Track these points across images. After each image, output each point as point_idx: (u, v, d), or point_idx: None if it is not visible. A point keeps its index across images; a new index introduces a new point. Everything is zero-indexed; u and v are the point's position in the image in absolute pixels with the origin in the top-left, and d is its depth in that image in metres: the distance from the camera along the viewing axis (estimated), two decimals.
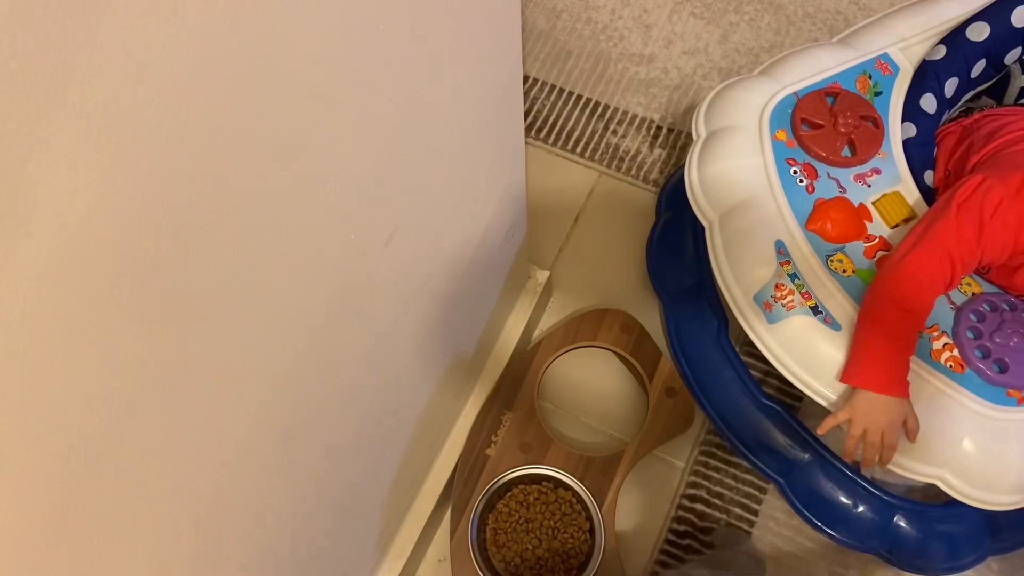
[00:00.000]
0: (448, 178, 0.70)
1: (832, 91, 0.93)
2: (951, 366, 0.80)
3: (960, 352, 0.81)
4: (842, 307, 0.83)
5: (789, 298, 0.85)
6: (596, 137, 1.31)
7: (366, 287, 0.63)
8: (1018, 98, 0.98)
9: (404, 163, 0.60)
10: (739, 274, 0.88)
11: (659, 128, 1.31)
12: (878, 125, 0.91)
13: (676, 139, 1.30)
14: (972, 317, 0.82)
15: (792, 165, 0.90)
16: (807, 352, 0.83)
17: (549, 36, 1.41)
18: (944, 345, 0.81)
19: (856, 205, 0.88)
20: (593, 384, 1.17)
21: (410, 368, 0.81)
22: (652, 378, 1.12)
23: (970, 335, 0.81)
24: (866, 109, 0.92)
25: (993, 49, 0.93)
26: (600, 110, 1.34)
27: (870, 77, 0.94)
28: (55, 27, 0.28)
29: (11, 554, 0.37)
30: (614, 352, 1.16)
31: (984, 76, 0.97)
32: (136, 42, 0.31)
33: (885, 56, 0.96)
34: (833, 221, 0.86)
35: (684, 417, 1.09)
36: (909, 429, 0.78)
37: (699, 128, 0.96)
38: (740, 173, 0.90)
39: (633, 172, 1.29)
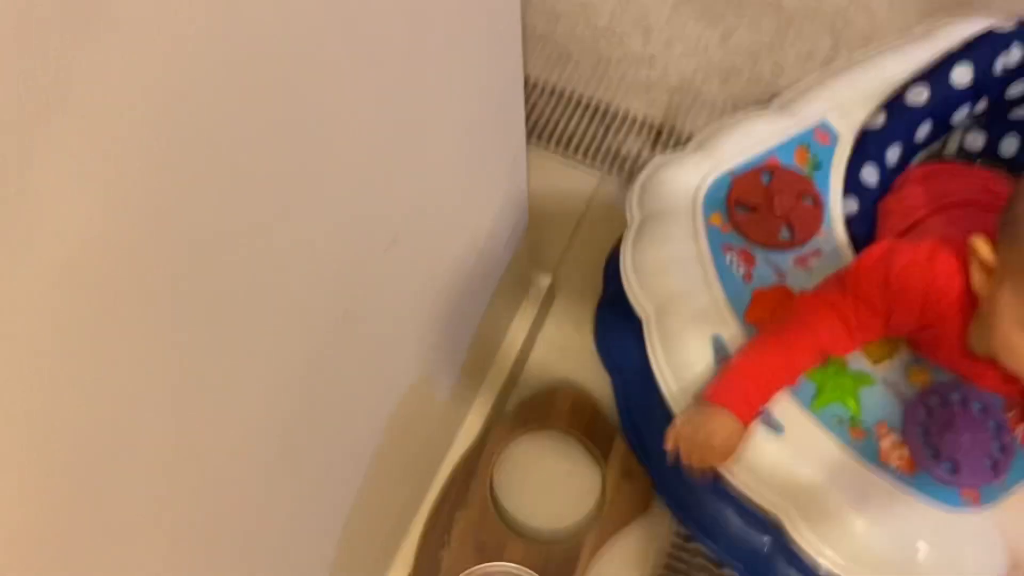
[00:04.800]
0: (449, 182, 0.71)
1: (769, 167, 0.89)
2: (900, 468, 0.76)
3: (911, 452, 0.76)
4: (784, 407, 0.79)
5: None
6: (597, 140, 1.31)
7: (368, 292, 0.63)
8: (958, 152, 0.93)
9: (404, 167, 0.60)
10: (678, 373, 0.84)
11: (660, 130, 1.31)
12: (817, 203, 0.87)
13: (677, 141, 1.29)
14: (921, 412, 0.77)
15: (728, 252, 0.85)
16: (750, 455, 0.79)
17: (549, 39, 1.42)
18: (892, 444, 0.77)
19: (796, 293, 0.84)
20: (548, 470, 1.13)
21: (410, 371, 0.81)
22: (608, 458, 1.08)
23: (920, 432, 0.77)
24: (804, 186, 0.87)
25: (937, 111, 0.89)
26: (600, 113, 1.33)
27: (808, 148, 0.90)
28: (57, 32, 0.28)
29: (16, 554, 0.38)
30: (567, 434, 1.12)
31: (932, 136, 0.92)
32: (137, 46, 0.32)
33: (824, 124, 0.91)
34: (772, 313, 0.82)
35: (643, 498, 1.06)
36: (726, 448, 0.76)
37: (632, 211, 0.92)
38: (674, 262, 0.86)
39: (635, 175, 1.26)
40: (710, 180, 0.89)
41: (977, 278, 0.69)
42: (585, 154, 1.30)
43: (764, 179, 0.88)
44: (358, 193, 0.55)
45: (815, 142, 0.90)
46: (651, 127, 1.31)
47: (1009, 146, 0.94)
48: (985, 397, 0.78)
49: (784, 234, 0.86)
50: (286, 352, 0.55)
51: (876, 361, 0.81)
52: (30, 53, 0.28)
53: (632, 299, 0.89)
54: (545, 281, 1.13)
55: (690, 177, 0.90)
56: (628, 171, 1.27)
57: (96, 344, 0.37)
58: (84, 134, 0.31)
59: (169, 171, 0.36)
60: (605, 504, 1.05)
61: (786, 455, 0.78)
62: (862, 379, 0.80)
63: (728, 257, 0.85)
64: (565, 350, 1.18)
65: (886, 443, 0.77)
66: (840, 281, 0.78)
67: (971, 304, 0.71)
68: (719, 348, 0.82)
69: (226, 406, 0.51)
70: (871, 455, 0.77)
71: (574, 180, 1.28)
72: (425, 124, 0.60)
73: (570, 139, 1.31)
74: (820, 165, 0.89)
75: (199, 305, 0.43)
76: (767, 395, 0.77)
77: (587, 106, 1.34)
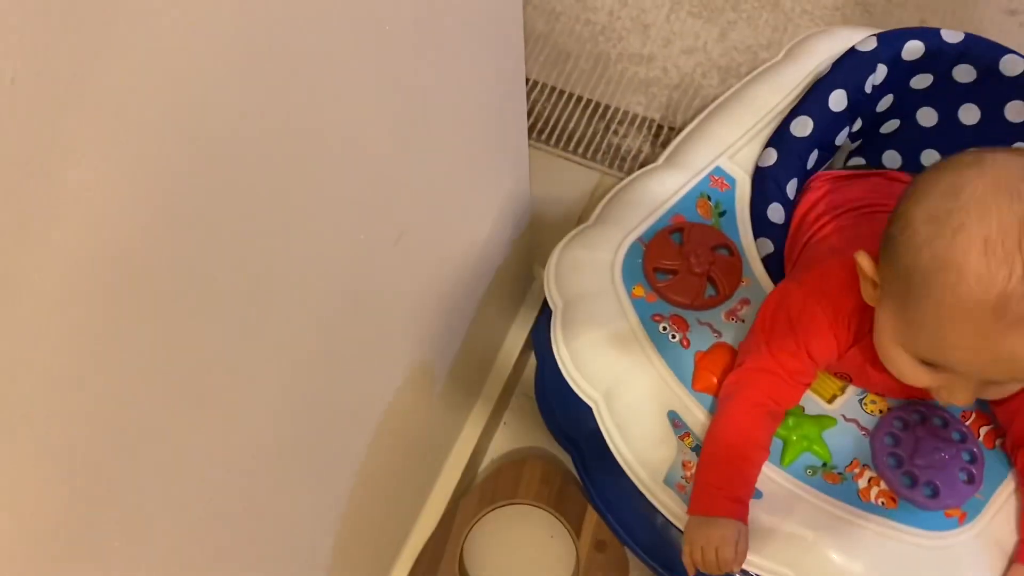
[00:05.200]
0: (454, 179, 0.72)
1: (677, 226, 0.87)
2: (883, 503, 0.75)
3: (887, 484, 0.75)
4: None
5: None
6: (597, 138, 1.31)
7: (377, 285, 0.65)
8: (847, 160, 0.95)
9: (411, 165, 0.62)
10: (641, 458, 0.81)
11: (660, 127, 1.31)
12: (733, 252, 0.86)
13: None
14: (887, 441, 0.77)
15: (659, 321, 0.83)
16: None
17: (548, 38, 1.41)
18: (870, 480, 0.76)
19: (737, 348, 0.82)
20: (519, 547, 1.10)
21: (410, 374, 0.81)
22: (580, 531, 1.05)
23: (892, 463, 0.76)
24: (716, 238, 0.86)
25: (822, 138, 0.89)
26: (601, 111, 1.34)
27: (709, 198, 0.89)
28: (74, 27, 0.29)
29: (30, 558, 0.38)
30: (537, 507, 1.09)
31: (820, 161, 0.93)
32: (149, 43, 0.32)
33: (718, 170, 0.90)
34: (718, 375, 0.80)
35: (619, 569, 1.03)
36: (739, 551, 0.74)
37: (554, 298, 0.89)
38: (609, 343, 0.83)
39: (635, 172, 1.26)
40: (622, 252, 0.87)
41: (867, 292, 0.69)
42: (586, 152, 1.30)
43: (675, 239, 0.87)
44: (368, 189, 0.57)
45: (714, 190, 0.90)
46: (651, 124, 1.32)
47: (892, 160, 0.96)
48: (942, 410, 0.78)
49: (709, 291, 0.84)
50: (294, 347, 0.57)
51: (830, 400, 0.80)
52: (50, 43, 0.28)
53: (576, 389, 0.86)
54: None
55: (601, 253, 0.87)
56: (628, 168, 1.28)
57: (106, 338, 0.37)
58: (99, 132, 0.32)
59: (182, 169, 0.37)
60: None
61: (770, 520, 0.76)
62: (823, 422, 0.78)
63: (661, 326, 0.83)
64: None
65: (862, 481, 0.76)
66: (754, 342, 0.77)
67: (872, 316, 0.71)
68: (677, 425, 0.80)
69: (233, 402, 0.51)
70: (852, 497, 0.75)
71: (575, 177, 1.29)
72: (430, 123, 0.62)
73: (570, 137, 1.32)
74: (725, 212, 0.88)
75: (214, 297, 0.44)
76: (751, 482, 0.75)
77: (587, 104, 1.35)
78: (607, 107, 1.34)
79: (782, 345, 0.75)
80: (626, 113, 1.33)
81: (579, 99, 1.35)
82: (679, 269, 0.85)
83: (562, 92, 1.36)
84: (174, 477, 0.48)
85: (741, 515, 0.75)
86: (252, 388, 0.53)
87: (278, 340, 0.55)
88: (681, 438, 0.79)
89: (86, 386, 0.38)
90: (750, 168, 0.90)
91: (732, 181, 0.90)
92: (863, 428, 0.78)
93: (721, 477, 0.75)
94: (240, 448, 0.55)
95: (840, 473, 0.76)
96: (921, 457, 0.75)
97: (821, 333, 0.74)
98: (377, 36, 0.50)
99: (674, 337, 0.82)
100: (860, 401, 0.80)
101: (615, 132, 1.32)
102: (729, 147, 0.91)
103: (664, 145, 1.26)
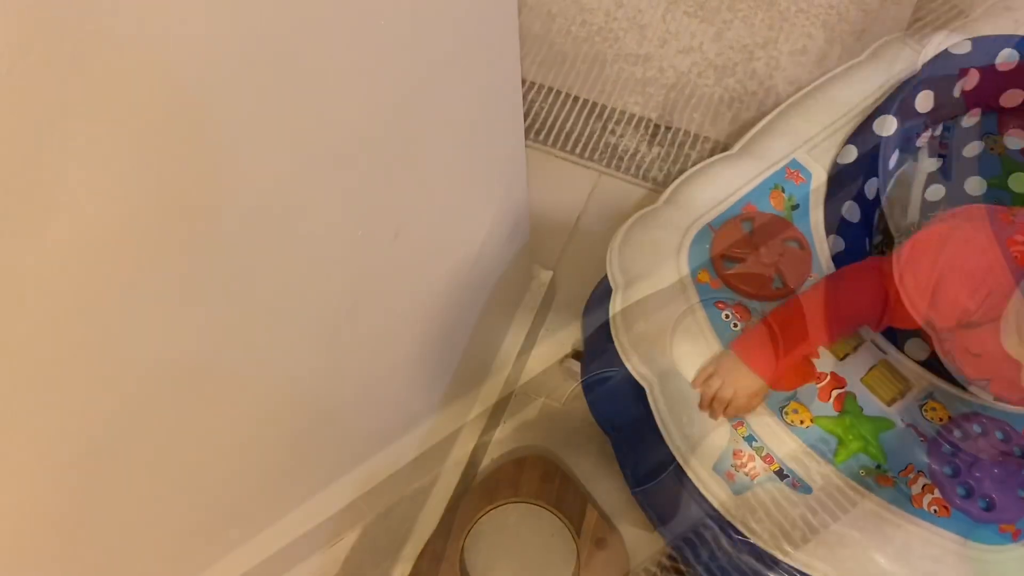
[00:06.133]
0: (449, 180, 0.72)
1: (747, 215, 0.86)
2: (935, 511, 0.74)
3: (942, 493, 0.74)
4: (807, 466, 0.76)
5: (750, 464, 0.77)
6: (595, 137, 1.31)
7: (373, 285, 0.65)
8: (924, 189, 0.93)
9: (406, 165, 0.62)
10: (692, 443, 0.80)
11: (656, 126, 1.31)
12: (803, 245, 0.85)
13: (674, 137, 1.30)
14: (946, 451, 0.75)
15: (722, 309, 0.82)
16: (780, 521, 0.76)
17: (545, 40, 1.42)
18: (924, 487, 0.75)
19: None
20: (519, 546, 1.08)
21: (411, 374, 0.82)
22: (580, 529, 1.05)
23: (948, 472, 0.75)
24: (787, 230, 0.85)
25: (905, 138, 0.88)
26: (598, 111, 1.34)
27: (783, 190, 0.88)
28: (71, 25, 0.29)
29: (32, 545, 0.39)
30: (537, 506, 1.09)
31: (900, 162, 0.91)
32: (147, 40, 0.32)
33: (794, 163, 0.89)
34: None
35: (619, 566, 1.02)
36: (751, 407, 0.78)
37: (615, 277, 0.89)
38: (669, 326, 0.83)
39: (632, 171, 1.28)
40: (690, 236, 0.86)
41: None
42: (583, 151, 1.31)
43: (745, 228, 0.86)
44: (364, 187, 0.57)
45: (788, 182, 0.88)
46: (648, 123, 1.32)
47: (977, 186, 0.94)
48: (1005, 424, 0.77)
49: (776, 282, 0.84)
50: (292, 343, 0.56)
51: (890, 402, 0.79)
52: (48, 40, 0.28)
53: (631, 369, 0.85)
54: (546, 275, 1.14)
55: (669, 235, 0.87)
56: (626, 167, 1.28)
57: (113, 329, 0.37)
58: (95, 128, 0.31)
59: (178, 166, 0.37)
60: None
61: (817, 517, 0.75)
62: (881, 424, 0.77)
63: (724, 314, 0.82)
64: (566, 346, 1.17)
65: (916, 487, 0.75)
66: (895, 254, 0.76)
67: None
68: None
69: (230, 398, 0.51)
70: (904, 502, 0.75)
71: (573, 177, 1.29)
72: (426, 124, 0.62)
73: (568, 136, 1.32)
74: (798, 205, 0.87)
75: (206, 292, 0.44)
76: (794, 357, 0.78)
77: (584, 104, 1.34)
78: (604, 107, 1.34)
79: (916, 270, 0.73)
80: (623, 113, 1.33)
81: (576, 99, 1.35)
82: (747, 258, 0.84)
83: (559, 92, 1.36)
84: (171, 472, 0.48)
85: (774, 382, 0.78)
86: (249, 384, 0.53)
87: (277, 334, 0.54)
88: (734, 427, 0.79)
89: (79, 382, 0.37)
90: (827, 164, 0.89)
91: (808, 175, 0.89)
92: (921, 434, 0.77)
93: (791, 342, 0.77)
94: (234, 445, 0.54)
95: (894, 477, 0.75)
96: (979, 469, 0.74)
97: (962, 280, 0.71)
98: (374, 35, 0.49)
99: (736, 326, 0.82)
100: (920, 407, 0.78)
101: (612, 132, 1.31)
102: (807, 141, 0.90)
103: (661, 144, 1.27)
